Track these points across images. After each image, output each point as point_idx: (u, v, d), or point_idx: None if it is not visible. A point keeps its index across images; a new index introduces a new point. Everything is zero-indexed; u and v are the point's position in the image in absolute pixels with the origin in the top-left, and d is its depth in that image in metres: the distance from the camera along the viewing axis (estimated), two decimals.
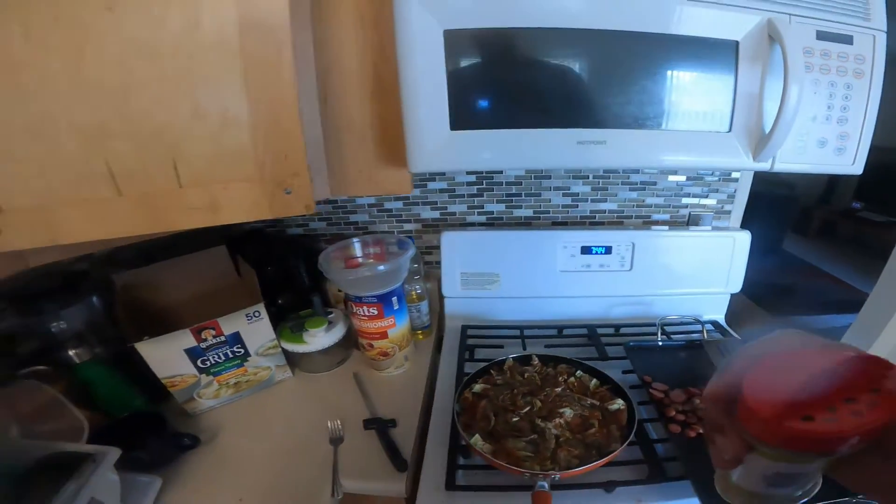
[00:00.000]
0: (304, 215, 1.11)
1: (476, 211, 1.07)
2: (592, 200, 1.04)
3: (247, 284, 1.00)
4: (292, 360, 0.97)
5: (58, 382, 0.77)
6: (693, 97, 0.67)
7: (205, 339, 0.85)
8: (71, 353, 0.78)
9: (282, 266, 1.02)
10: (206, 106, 0.55)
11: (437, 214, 1.08)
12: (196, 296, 0.97)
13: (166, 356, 0.83)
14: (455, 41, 0.63)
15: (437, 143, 0.68)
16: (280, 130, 0.56)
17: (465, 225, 1.08)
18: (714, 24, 0.63)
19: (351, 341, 1.01)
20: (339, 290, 1.08)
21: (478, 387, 0.81)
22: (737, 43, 0.64)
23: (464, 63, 0.64)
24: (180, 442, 0.80)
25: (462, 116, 0.67)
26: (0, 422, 0.70)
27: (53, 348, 0.79)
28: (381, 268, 0.85)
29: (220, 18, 0.53)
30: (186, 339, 0.83)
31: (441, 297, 1.07)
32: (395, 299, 0.91)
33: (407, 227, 1.10)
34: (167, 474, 0.75)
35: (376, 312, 0.90)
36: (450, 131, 0.67)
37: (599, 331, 0.99)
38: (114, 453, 0.67)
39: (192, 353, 0.85)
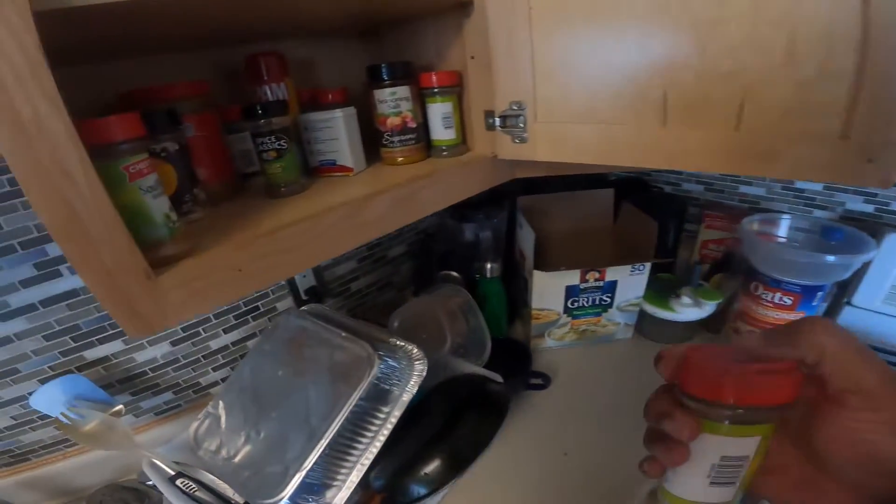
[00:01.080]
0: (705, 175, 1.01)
1: None
2: None
3: (620, 232, 0.97)
4: (637, 321, 0.93)
5: None
6: None
7: (586, 281, 0.85)
8: (488, 265, 0.85)
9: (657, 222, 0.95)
10: (804, 52, 0.46)
11: (870, 209, 0.85)
12: (572, 231, 0.97)
13: (549, 288, 0.85)
14: None
15: None
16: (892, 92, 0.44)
17: None
18: None
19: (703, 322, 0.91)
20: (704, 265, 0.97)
21: None
22: None
23: None
24: (534, 380, 0.81)
25: None
26: (434, 318, 0.76)
27: (472, 257, 0.87)
28: (830, 258, 0.71)
29: None
30: (572, 276, 0.84)
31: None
32: (819, 295, 0.76)
33: (817, 213, 0.90)
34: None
35: (790, 303, 0.77)
36: None
37: None
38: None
39: (570, 291, 0.86)
